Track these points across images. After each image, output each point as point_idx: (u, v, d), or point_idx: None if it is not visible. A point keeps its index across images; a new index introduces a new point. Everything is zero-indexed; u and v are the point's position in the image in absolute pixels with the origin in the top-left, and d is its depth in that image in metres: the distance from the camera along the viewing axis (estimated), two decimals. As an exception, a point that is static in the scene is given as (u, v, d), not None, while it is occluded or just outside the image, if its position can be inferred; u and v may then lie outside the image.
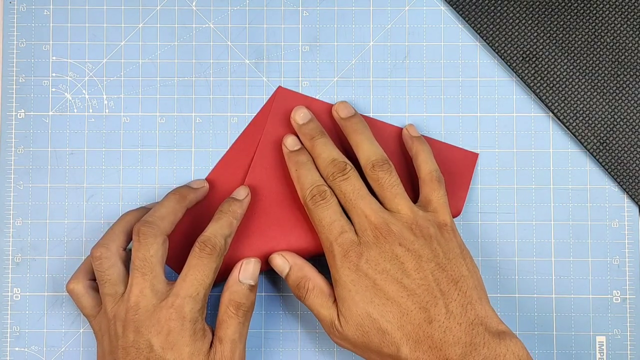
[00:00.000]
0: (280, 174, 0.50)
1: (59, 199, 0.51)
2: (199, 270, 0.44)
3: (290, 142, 0.49)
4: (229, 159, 0.51)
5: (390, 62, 0.51)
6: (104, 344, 0.45)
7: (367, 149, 0.47)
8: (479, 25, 0.51)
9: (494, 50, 0.51)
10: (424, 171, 0.48)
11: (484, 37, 0.51)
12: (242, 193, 0.48)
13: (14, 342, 0.50)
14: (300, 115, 0.49)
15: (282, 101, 0.51)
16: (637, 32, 0.51)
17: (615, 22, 0.51)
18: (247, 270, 0.47)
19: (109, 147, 0.51)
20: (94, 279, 0.47)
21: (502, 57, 0.51)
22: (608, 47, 0.51)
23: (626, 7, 0.51)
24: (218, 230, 0.46)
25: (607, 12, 0.51)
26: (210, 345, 0.45)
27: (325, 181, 0.47)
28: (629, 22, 0.51)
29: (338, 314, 0.45)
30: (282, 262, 0.48)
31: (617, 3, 0.51)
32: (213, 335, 0.45)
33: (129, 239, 0.47)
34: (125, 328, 0.44)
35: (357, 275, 0.44)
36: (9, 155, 0.51)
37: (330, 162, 0.47)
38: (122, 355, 0.44)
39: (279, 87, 0.51)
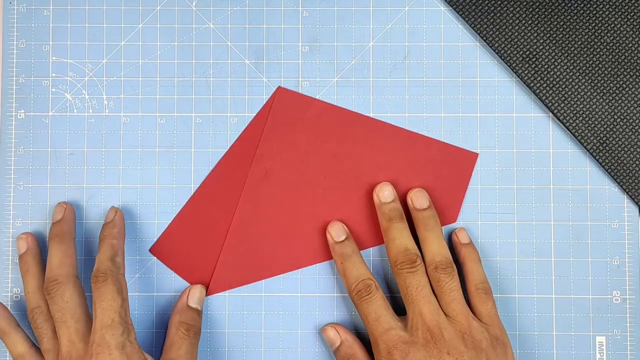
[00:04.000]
0: (279, 176, 0.50)
1: (59, 199, 0.51)
2: (102, 299, 0.45)
3: (335, 233, 0.49)
4: (228, 160, 0.51)
5: (390, 62, 0.51)
6: None
7: (434, 248, 0.47)
8: (479, 25, 0.51)
9: (494, 50, 0.51)
10: (472, 282, 0.48)
11: (484, 37, 0.51)
12: (110, 215, 0.49)
13: (13, 342, 0.50)
14: (384, 193, 0.49)
15: (282, 102, 0.51)
16: (637, 32, 0.51)
17: (615, 22, 0.51)
18: (194, 295, 0.49)
19: (108, 147, 0.51)
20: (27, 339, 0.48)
21: (502, 57, 0.51)
22: (608, 47, 0.51)
23: (626, 7, 0.51)
24: (101, 257, 0.47)
25: (607, 12, 0.51)
26: None
27: (393, 267, 0.47)
28: (629, 22, 0.51)
29: None
30: (334, 336, 0.49)
31: (617, 3, 0.51)
32: None
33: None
34: None
35: None
36: (9, 156, 0.51)
37: (402, 250, 0.47)
38: None
39: (279, 87, 0.51)
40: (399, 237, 0.48)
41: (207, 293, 0.50)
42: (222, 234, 0.50)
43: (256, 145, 0.50)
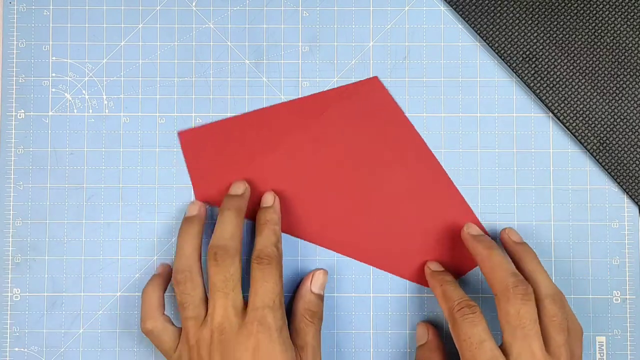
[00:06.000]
0: (329, 158, 0.50)
1: (59, 199, 0.51)
2: (266, 280, 0.45)
3: (434, 266, 0.49)
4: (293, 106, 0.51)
5: (390, 62, 0.51)
6: None
7: (546, 278, 0.46)
8: (479, 25, 0.51)
9: (494, 50, 0.51)
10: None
11: (484, 37, 0.51)
12: (269, 199, 0.49)
13: (13, 342, 0.50)
14: (474, 228, 0.49)
15: (370, 91, 0.51)
16: (637, 32, 0.51)
17: (615, 22, 0.51)
18: (318, 280, 0.49)
19: (109, 147, 0.51)
20: (163, 312, 0.48)
21: (502, 57, 0.51)
22: (608, 47, 0.51)
23: (626, 7, 0.51)
24: (266, 241, 0.46)
25: (607, 12, 0.51)
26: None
27: (504, 292, 0.44)
28: (629, 22, 0.51)
29: None
30: (422, 333, 0.49)
31: (617, 3, 0.51)
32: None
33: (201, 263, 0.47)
34: (211, 351, 0.44)
35: None
36: (9, 155, 0.51)
37: (512, 274, 0.44)
38: None
39: (375, 77, 0.51)
40: (504, 262, 0.46)
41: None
42: (251, 161, 0.50)
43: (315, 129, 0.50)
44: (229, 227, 0.46)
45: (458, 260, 0.50)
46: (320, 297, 0.48)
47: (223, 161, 0.50)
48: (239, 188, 0.49)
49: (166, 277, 0.49)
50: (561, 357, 0.43)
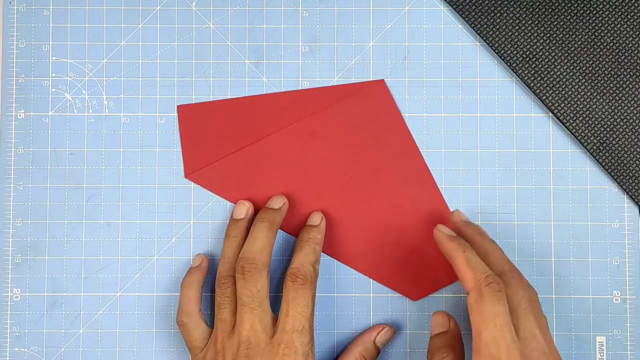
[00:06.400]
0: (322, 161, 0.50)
1: (59, 199, 0.51)
2: (297, 302, 0.45)
3: (447, 230, 0.47)
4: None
5: (390, 62, 0.51)
6: None
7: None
8: (479, 25, 0.51)
9: (494, 50, 0.51)
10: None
11: (484, 37, 0.51)
12: (315, 219, 0.49)
13: (13, 343, 0.50)
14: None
15: (371, 95, 0.50)
16: (637, 32, 0.51)
17: (615, 22, 0.51)
18: (384, 336, 0.49)
19: (109, 147, 0.51)
20: (199, 308, 0.48)
21: (502, 57, 0.51)
22: (608, 47, 0.51)
23: (626, 7, 0.51)
24: (304, 259, 0.46)
25: (607, 12, 0.51)
26: None
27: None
28: (629, 22, 0.51)
29: None
30: (443, 321, 0.47)
31: (617, 3, 0.51)
32: None
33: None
34: None
35: None
36: (9, 155, 0.51)
37: (506, 261, 0.45)
38: None
39: (382, 81, 0.51)
40: (496, 248, 0.46)
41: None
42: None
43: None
44: (260, 241, 0.47)
45: (436, 272, 0.50)
46: (379, 351, 0.49)
47: (217, 141, 0.50)
48: (277, 202, 0.49)
49: (204, 270, 0.49)
50: (535, 333, 0.43)
